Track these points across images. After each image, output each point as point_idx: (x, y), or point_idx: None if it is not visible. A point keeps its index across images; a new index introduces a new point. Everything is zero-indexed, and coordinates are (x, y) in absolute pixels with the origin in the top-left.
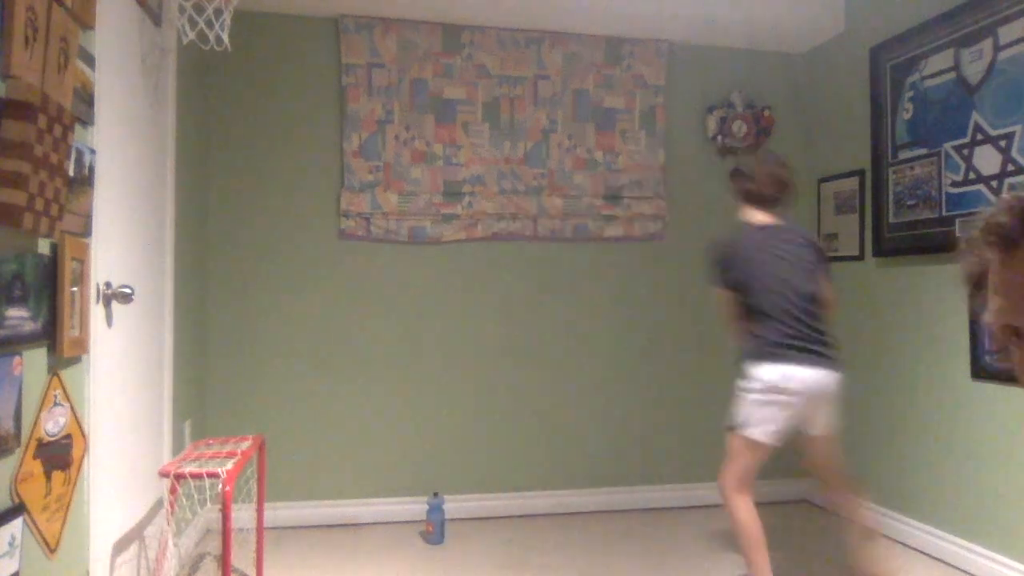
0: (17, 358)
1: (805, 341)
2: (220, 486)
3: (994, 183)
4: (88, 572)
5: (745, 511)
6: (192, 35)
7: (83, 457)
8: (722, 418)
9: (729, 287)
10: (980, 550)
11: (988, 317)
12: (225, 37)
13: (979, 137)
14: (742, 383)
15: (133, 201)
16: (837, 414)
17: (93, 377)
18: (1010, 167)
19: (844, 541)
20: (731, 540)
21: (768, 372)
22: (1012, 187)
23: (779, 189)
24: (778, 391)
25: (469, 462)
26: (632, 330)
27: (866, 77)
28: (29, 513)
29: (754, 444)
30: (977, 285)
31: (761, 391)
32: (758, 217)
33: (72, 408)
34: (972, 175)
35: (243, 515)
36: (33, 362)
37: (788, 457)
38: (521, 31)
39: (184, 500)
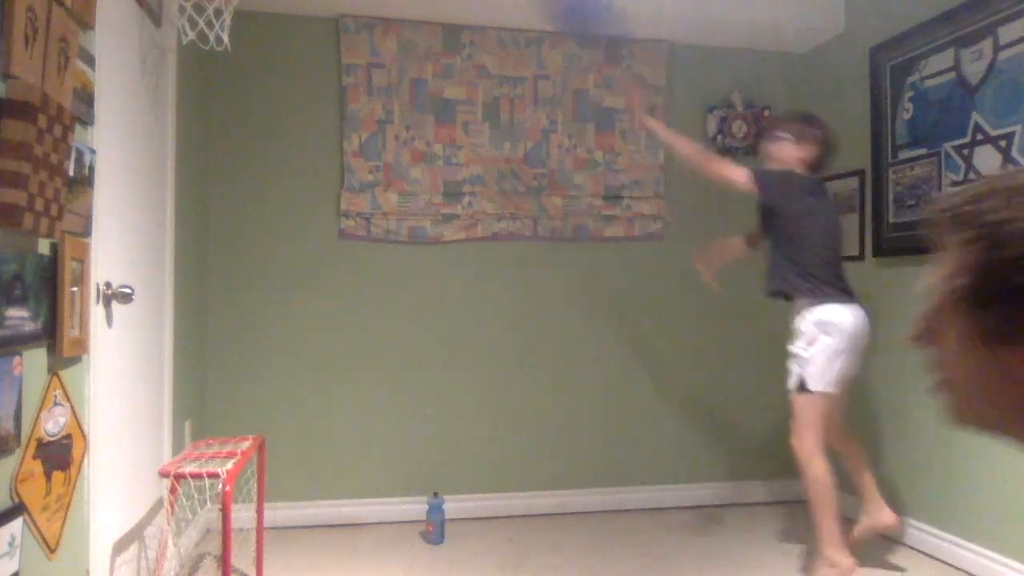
0: (17, 358)
1: (845, 284)
2: (220, 486)
3: None
4: (88, 572)
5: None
6: (192, 35)
7: (83, 457)
8: (722, 417)
9: (789, 215)
10: (978, 549)
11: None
12: (225, 37)
13: (979, 137)
14: (811, 330)
15: (133, 201)
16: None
17: (93, 377)
18: (1010, 167)
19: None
20: (730, 540)
21: (843, 316)
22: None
23: (829, 158)
24: (856, 336)
25: (469, 462)
26: (632, 330)
27: (866, 77)
28: (29, 513)
29: (831, 398)
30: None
31: (842, 337)
32: (801, 167)
33: (72, 408)
34: (972, 175)
35: (243, 515)
36: (33, 362)
37: (788, 457)
38: (521, 31)
39: (184, 500)
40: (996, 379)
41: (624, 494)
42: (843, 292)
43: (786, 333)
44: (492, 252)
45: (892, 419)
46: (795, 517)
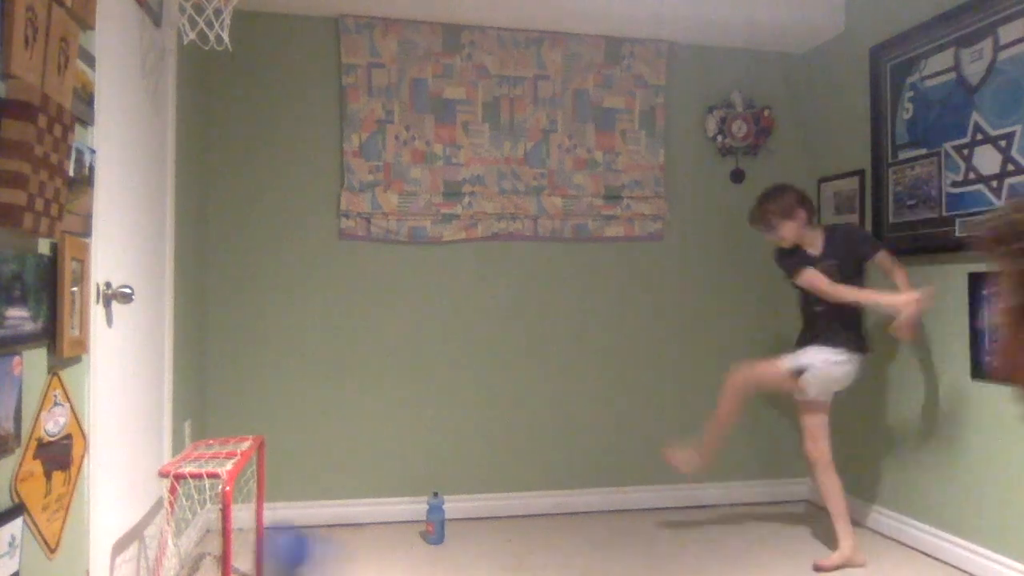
0: (17, 358)
1: None
2: (220, 486)
3: (994, 183)
4: (88, 572)
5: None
6: (192, 35)
7: (83, 457)
8: None
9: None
10: (980, 550)
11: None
12: (225, 37)
13: (979, 137)
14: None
15: (133, 201)
16: None
17: (93, 377)
18: (1010, 167)
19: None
20: (730, 540)
21: None
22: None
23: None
24: None
25: (469, 462)
26: (632, 330)
27: (866, 77)
28: (29, 513)
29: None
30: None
31: None
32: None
33: (72, 408)
34: (972, 175)
35: (243, 515)
36: (33, 362)
37: (788, 457)
38: (521, 31)
39: (184, 500)
40: None
41: (624, 494)
42: None
43: (786, 333)
44: (492, 252)
45: (891, 419)
46: (795, 517)
